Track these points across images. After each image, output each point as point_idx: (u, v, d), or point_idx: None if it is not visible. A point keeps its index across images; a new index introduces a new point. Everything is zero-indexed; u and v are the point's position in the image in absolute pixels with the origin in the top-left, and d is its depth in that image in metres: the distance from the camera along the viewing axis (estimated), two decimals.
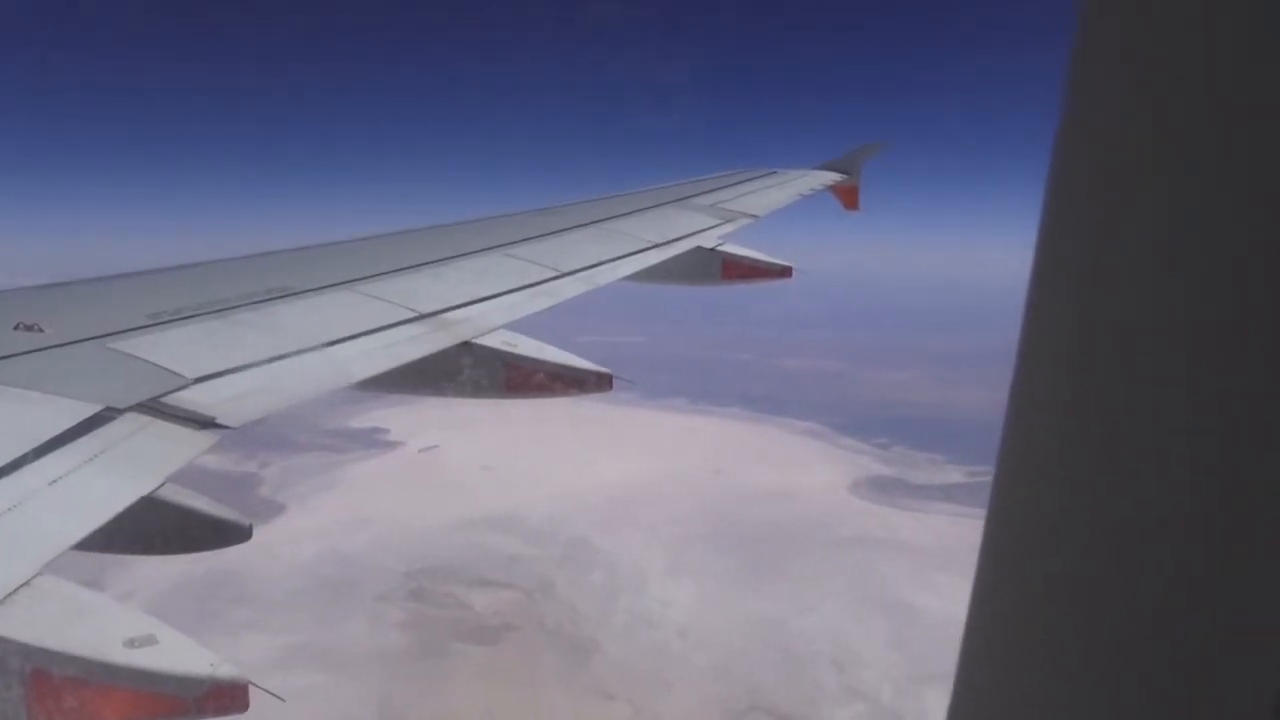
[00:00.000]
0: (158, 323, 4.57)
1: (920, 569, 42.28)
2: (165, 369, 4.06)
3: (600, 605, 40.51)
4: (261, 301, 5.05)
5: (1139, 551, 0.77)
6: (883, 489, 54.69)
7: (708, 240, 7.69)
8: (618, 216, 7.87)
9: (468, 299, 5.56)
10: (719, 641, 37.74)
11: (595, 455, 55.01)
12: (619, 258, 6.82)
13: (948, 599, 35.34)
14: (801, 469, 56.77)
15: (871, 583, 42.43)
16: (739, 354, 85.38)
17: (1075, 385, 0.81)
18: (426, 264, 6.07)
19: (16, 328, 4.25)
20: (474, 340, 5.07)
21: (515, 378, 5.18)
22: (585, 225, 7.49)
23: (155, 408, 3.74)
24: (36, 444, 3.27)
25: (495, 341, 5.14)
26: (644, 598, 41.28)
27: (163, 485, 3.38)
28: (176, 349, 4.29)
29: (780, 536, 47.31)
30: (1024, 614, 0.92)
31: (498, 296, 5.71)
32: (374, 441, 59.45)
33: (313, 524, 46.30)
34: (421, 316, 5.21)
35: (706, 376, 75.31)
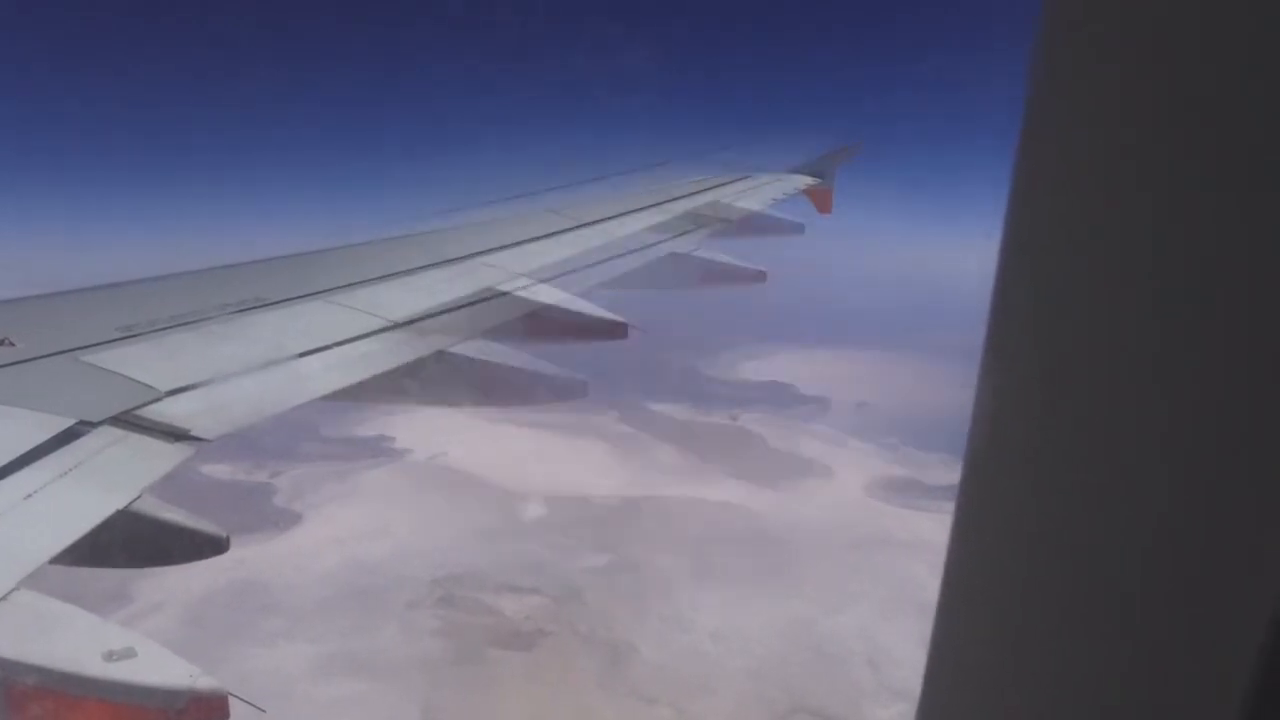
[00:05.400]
0: (130, 335, 4.54)
1: None
2: (138, 382, 4.05)
3: (629, 609, 40.40)
4: (234, 313, 5.04)
5: (1104, 550, 0.78)
6: (898, 489, 54.05)
7: (682, 246, 7.67)
8: (588, 224, 7.82)
9: (441, 307, 5.57)
10: (753, 643, 37.56)
11: (602, 458, 54.92)
12: (590, 265, 6.81)
13: None
14: (814, 470, 56.43)
15: (898, 583, 42.03)
16: (731, 356, 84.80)
17: (1040, 384, 0.81)
18: (399, 273, 6.07)
19: None
20: (448, 349, 5.09)
21: (491, 385, 5.22)
22: (562, 233, 7.48)
23: (129, 421, 3.75)
24: (10, 459, 3.29)
25: (470, 350, 5.17)
26: (671, 601, 41.13)
27: (139, 498, 3.37)
28: (149, 362, 4.27)
29: (802, 538, 47.10)
30: (990, 612, 0.93)
31: (473, 304, 5.74)
32: (381, 449, 59.42)
33: (332, 532, 46.40)
34: (395, 325, 5.22)
35: (703, 379, 74.74)
